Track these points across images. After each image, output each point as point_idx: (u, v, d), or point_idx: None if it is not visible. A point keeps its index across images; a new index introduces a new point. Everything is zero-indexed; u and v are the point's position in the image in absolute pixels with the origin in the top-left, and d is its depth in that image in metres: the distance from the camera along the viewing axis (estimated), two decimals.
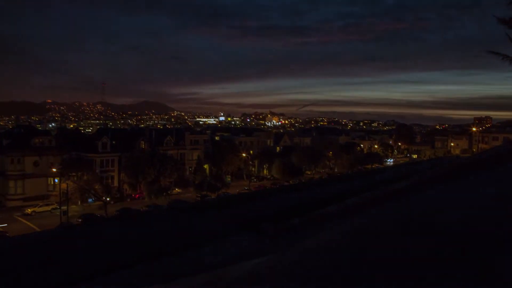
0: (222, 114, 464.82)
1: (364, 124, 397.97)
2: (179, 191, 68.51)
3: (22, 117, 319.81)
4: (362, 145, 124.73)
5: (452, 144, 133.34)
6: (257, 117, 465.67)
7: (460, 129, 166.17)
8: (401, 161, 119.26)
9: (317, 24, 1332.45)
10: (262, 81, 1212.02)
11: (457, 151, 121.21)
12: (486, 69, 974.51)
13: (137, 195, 67.16)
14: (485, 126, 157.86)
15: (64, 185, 55.15)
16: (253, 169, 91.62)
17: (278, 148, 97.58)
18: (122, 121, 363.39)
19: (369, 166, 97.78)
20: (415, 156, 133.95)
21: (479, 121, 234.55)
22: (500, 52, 8.66)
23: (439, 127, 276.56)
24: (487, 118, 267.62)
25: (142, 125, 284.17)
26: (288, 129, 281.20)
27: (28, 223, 49.93)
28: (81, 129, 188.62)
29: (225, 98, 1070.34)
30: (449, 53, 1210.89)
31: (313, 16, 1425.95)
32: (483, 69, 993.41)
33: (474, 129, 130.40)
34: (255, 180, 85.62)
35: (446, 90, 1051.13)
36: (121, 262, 8.62)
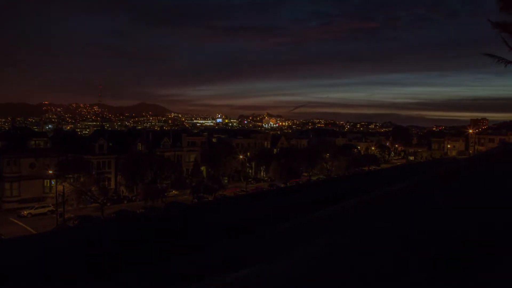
0: (219, 115, 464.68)
1: (361, 125, 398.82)
2: (176, 193, 68.39)
3: (19, 118, 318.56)
4: (359, 147, 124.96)
5: (448, 146, 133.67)
6: (255, 118, 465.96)
7: (456, 131, 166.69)
8: (398, 163, 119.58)
9: (290, 23, 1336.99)
10: (244, 83, 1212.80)
11: (454, 153, 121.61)
12: (457, 70, 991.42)
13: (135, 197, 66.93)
14: (482, 128, 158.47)
15: (60, 187, 54.92)
16: (250, 171, 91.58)
17: (275, 150, 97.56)
18: (119, 123, 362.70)
19: (366, 168, 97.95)
20: (411, 158, 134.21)
21: (475, 122, 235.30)
22: (495, 54, 8.69)
23: (436, 128, 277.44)
24: (483, 119, 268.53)
25: (139, 127, 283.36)
26: (286, 130, 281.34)
27: (24, 225, 49.69)
28: (78, 131, 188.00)
29: (210, 100, 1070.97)
30: (421, 54, 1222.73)
31: (285, 15, 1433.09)
32: (453, 70, 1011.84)
33: (470, 131, 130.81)
34: (252, 182, 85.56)
35: (425, 91, 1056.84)
36: (122, 264, 8.58)
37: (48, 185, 63.10)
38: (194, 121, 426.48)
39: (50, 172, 58.65)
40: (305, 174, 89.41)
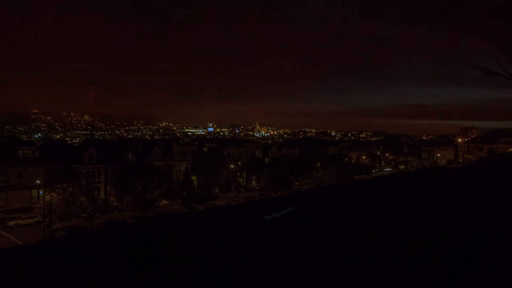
0: (210, 124, 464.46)
1: (352, 135, 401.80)
2: (166, 203, 67.80)
3: (7, 127, 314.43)
4: (350, 156, 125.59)
5: (438, 154, 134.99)
6: (246, 127, 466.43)
7: (446, 140, 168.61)
8: (387, 172, 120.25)
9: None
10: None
11: (443, 162, 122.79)
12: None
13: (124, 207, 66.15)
14: (471, 137, 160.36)
15: (48, 197, 54.06)
16: (241, 180, 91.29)
17: (266, 159, 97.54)
18: (110, 132, 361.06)
19: (357, 177, 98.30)
20: (402, 167, 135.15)
21: (464, 131, 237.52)
22: (486, 67, 8.69)
23: (426, 137, 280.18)
24: (472, 128, 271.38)
25: (130, 136, 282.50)
26: (277, 140, 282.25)
27: (10, 237, 48.69)
28: (68, 140, 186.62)
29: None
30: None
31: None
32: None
33: (459, 140, 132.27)
34: (243, 191, 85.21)
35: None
36: (113, 273, 8.41)
37: (36, 195, 62.03)
38: (186, 130, 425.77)
39: (38, 182, 57.72)
40: (296, 183, 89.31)
